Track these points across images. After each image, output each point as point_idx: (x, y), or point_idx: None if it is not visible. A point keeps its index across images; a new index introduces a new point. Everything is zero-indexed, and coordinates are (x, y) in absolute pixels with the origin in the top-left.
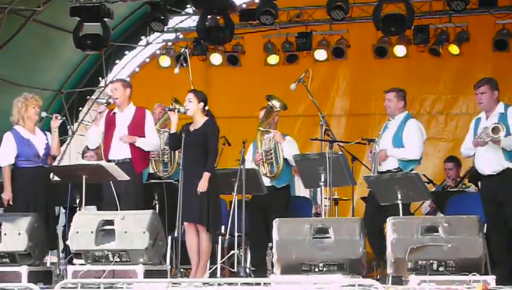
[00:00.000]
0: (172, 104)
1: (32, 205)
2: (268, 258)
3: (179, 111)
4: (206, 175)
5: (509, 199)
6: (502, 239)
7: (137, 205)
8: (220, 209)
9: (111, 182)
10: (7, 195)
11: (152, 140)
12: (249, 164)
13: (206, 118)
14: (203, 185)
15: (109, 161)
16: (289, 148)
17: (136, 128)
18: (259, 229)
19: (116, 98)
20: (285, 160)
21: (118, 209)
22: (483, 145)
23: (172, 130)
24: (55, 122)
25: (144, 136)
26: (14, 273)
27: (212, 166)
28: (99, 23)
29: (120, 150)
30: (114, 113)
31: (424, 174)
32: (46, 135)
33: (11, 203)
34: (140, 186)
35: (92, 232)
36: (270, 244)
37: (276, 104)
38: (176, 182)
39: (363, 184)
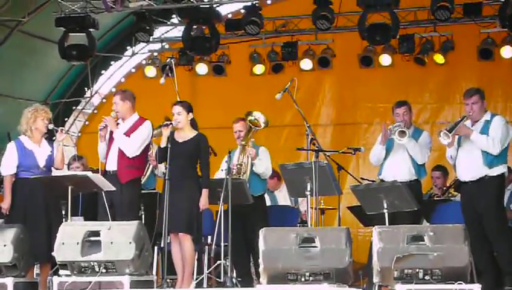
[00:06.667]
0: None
1: (29, 215)
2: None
3: (171, 124)
4: (205, 192)
5: (487, 208)
6: (483, 248)
7: (131, 216)
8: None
9: (103, 193)
10: (5, 204)
11: (130, 142)
12: (221, 173)
13: (196, 131)
14: (205, 203)
15: (106, 171)
16: (260, 165)
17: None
18: (240, 239)
19: (117, 112)
20: (256, 174)
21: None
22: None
23: (163, 144)
24: (60, 136)
25: None
26: None
27: (209, 181)
28: (84, 34)
29: (114, 161)
30: (118, 123)
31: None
32: (52, 147)
33: (7, 212)
34: (134, 196)
35: (77, 243)
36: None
37: (260, 119)
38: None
39: (349, 193)
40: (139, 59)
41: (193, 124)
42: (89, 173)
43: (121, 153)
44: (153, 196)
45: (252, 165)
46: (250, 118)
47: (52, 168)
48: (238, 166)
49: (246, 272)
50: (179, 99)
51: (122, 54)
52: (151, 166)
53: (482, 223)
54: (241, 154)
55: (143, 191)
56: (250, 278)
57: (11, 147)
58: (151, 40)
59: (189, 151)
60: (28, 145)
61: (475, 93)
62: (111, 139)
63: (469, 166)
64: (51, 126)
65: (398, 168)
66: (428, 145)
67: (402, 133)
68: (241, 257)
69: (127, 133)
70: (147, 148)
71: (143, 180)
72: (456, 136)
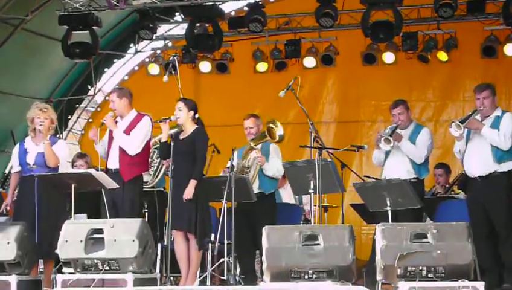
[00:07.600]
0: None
1: (21, 212)
2: (257, 266)
3: (170, 120)
4: (193, 182)
5: (495, 204)
6: (488, 246)
7: (132, 213)
8: (210, 217)
9: (103, 190)
10: (7, 201)
11: (131, 140)
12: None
13: (196, 126)
14: (188, 192)
15: (108, 169)
16: (269, 169)
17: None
18: (246, 237)
19: (115, 110)
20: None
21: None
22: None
23: (163, 139)
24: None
25: None
26: (3, 283)
27: (200, 173)
28: (87, 32)
29: (116, 159)
30: (116, 121)
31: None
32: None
33: (7, 208)
34: (136, 194)
35: (81, 240)
36: (257, 251)
37: (277, 132)
38: (165, 191)
39: (352, 191)
40: (142, 57)
41: (199, 123)
42: (92, 171)
43: (122, 151)
44: (157, 193)
45: (260, 169)
46: (271, 125)
47: (60, 166)
48: (243, 168)
49: (250, 270)
50: (182, 97)
51: (126, 51)
52: (163, 167)
53: (490, 219)
54: (247, 153)
55: (146, 189)
56: (254, 276)
57: (16, 146)
58: (154, 37)
59: (188, 147)
60: (27, 144)
61: (486, 88)
62: (111, 137)
63: (478, 161)
64: (39, 127)
65: (397, 169)
66: (427, 142)
67: (387, 141)
68: (246, 254)
69: (127, 131)
70: (148, 144)
71: (155, 181)
72: (465, 131)
